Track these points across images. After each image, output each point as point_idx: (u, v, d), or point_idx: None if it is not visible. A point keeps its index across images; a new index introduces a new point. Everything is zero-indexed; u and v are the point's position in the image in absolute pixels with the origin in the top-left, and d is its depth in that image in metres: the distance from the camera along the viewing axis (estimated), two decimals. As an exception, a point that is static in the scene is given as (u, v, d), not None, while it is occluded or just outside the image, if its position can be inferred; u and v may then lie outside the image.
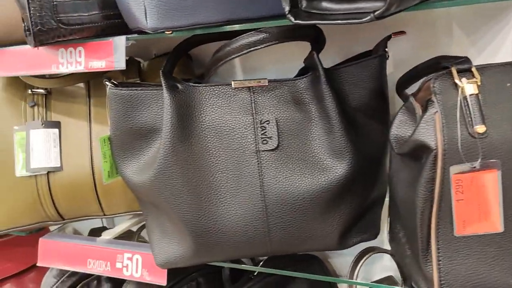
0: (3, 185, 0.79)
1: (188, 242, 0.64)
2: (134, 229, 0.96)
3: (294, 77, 0.66)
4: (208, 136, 0.63)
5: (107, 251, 0.77)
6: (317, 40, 0.63)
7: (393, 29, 0.65)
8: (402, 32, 0.64)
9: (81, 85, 0.83)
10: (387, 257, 0.87)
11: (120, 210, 0.84)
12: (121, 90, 0.64)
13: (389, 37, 0.64)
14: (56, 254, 0.81)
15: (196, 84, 0.63)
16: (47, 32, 0.61)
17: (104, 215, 0.84)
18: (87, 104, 0.82)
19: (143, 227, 0.91)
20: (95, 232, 1.03)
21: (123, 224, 0.86)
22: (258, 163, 0.62)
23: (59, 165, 0.79)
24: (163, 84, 0.62)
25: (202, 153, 0.62)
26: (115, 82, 0.65)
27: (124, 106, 0.64)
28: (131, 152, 0.67)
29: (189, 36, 0.68)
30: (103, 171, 0.70)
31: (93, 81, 0.83)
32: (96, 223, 1.15)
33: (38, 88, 0.81)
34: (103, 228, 1.06)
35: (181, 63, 0.85)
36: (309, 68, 0.68)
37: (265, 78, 0.63)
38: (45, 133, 0.79)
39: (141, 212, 0.84)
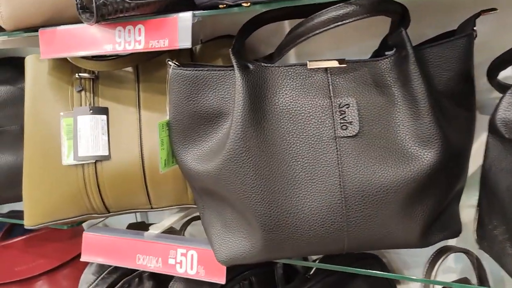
0: (48, 174, 0.74)
1: (257, 236, 0.58)
2: (176, 226, 0.91)
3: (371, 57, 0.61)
4: (282, 121, 0.57)
5: (158, 246, 0.72)
6: (404, 17, 0.57)
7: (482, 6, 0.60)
8: (493, 9, 0.59)
9: (129, 69, 0.78)
10: (451, 258, 0.82)
11: (168, 203, 0.79)
12: (186, 70, 0.59)
13: (478, 15, 0.59)
14: (101, 249, 0.76)
15: (269, 64, 0.58)
16: (111, 5, 0.56)
17: (151, 208, 0.79)
18: (136, 90, 0.77)
19: (189, 222, 0.86)
20: (134, 227, 0.99)
21: (171, 218, 0.81)
22: (337, 151, 0.57)
23: (107, 154, 0.74)
24: (235, 64, 0.57)
25: (275, 139, 0.57)
26: (178, 62, 0.60)
27: (189, 88, 0.59)
28: (194, 138, 0.62)
29: (259, 13, 0.62)
30: (159, 159, 0.65)
31: (142, 65, 0.78)
32: (130, 218, 1.10)
33: (85, 72, 0.77)
34: (142, 224, 1.02)
35: (230, 44, 0.80)
36: (386, 48, 0.63)
37: (343, 58, 0.58)
38: (93, 119, 0.75)
39: (188, 206, 0.80)
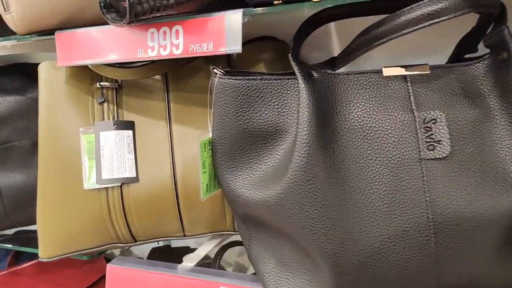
0: (67, 198, 0.64)
1: (324, 280, 0.48)
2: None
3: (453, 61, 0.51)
4: (354, 140, 0.47)
5: (197, 284, 0.61)
6: (502, 12, 0.47)
7: None
8: None
9: (157, 77, 0.68)
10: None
11: (203, 229, 0.69)
12: (235, 80, 0.49)
13: None
14: (129, 285, 0.66)
15: (336, 72, 0.48)
16: (146, 3, 0.46)
17: (184, 235, 0.69)
18: (165, 100, 0.67)
19: (225, 249, 0.76)
20: (158, 253, 0.89)
21: (206, 246, 0.71)
22: (423, 176, 0.46)
23: (134, 175, 0.64)
24: (298, 72, 0.47)
25: (347, 162, 0.47)
26: (223, 70, 0.50)
27: (239, 100, 0.49)
28: (244, 160, 0.52)
29: (321, 9, 0.52)
30: (201, 184, 0.55)
31: (171, 72, 0.68)
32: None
33: (106, 80, 0.67)
34: (167, 248, 0.92)
35: (273, 48, 0.70)
36: (465, 50, 0.53)
37: (426, 64, 0.48)
38: (117, 135, 0.65)
39: (226, 233, 0.70)
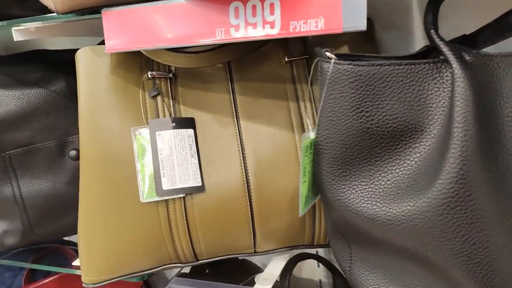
0: (118, 215, 0.53)
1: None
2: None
3: None
4: (519, 141, 0.37)
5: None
6: None
7: None
8: None
9: (218, 64, 0.57)
10: None
11: (276, 245, 0.58)
12: (357, 66, 0.38)
13: None
14: (194, 312, 0.55)
15: (491, 53, 0.38)
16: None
17: (255, 252, 0.59)
18: (230, 92, 0.56)
19: (294, 264, 0.66)
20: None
21: (277, 263, 0.61)
22: None
23: (200, 184, 0.53)
24: (450, 54, 0.36)
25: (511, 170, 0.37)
26: (337, 54, 0.39)
27: (361, 92, 0.39)
28: (362, 166, 0.41)
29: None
30: (300, 196, 0.44)
31: (235, 59, 0.57)
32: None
33: (159, 69, 0.55)
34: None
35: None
36: None
37: None
38: (177, 136, 0.53)
39: (301, 246, 0.59)
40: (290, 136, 0.54)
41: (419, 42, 0.65)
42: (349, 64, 0.38)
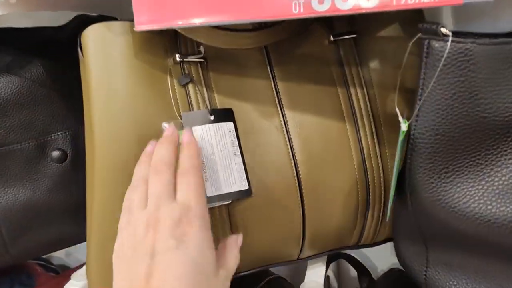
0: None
1: None
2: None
3: None
4: None
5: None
6: None
7: None
8: None
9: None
10: None
11: (321, 249, 0.53)
12: (482, 45, 0.33)
13: None
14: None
15: None
16: None
17: (298, 259, 0.52)
18: (270, 77, 0.48)
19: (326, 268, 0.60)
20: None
21: (317, 268, 0.55)
22: None
23: (247, 187, 0.45)
24: None
25: None
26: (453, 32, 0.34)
27: (483, 75, 0.33)
28: (470, 162, 0.36)
29: None
30: (390, 198, 0.38)
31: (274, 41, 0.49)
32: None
33: (186, 52, 0.46)
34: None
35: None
36: None
37: None
38: (218, 130, 0.45)
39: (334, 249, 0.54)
40: (341, 126, 0.48)
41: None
42: (472, 43, 0.33)
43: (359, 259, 0.64)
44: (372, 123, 0.49)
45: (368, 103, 0.49)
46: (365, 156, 0.48)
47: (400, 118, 0.38)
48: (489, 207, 0.35)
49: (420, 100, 0.36)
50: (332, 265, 0.83)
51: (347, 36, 0.49)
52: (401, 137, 0.37)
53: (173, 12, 0.38)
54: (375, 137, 0.48)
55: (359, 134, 0.48)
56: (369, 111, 0.49)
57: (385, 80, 0.49)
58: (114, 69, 0.43)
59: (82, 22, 0.62)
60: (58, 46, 0.60)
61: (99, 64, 0.43)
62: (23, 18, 0.56)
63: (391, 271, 0.59)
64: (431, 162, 0.37)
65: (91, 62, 0.43)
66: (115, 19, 0.46)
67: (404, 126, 0.37)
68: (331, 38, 0.49)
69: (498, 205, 0.35)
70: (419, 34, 0.35)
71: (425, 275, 0.44)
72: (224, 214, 0.45)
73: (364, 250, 0.77)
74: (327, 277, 0.82)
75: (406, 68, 0.40)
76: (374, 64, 0.50)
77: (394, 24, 0.50)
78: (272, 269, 0.72)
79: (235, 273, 0.50)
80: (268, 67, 0.48)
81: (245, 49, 0.48)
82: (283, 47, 0.49)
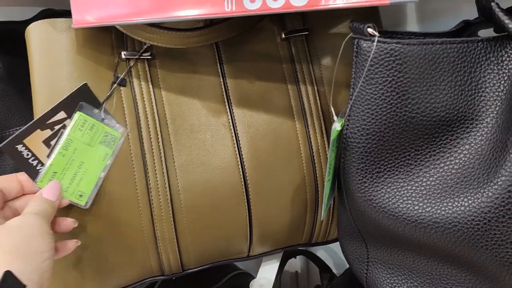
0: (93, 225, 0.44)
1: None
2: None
3: None
4: None
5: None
6: None
7: None
8: None
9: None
10: None
11: (272, 247, 0.53)
12: (407, 45, 0.32)
13: None
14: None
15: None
16: None
17: (248, 256, 0.52)
18: (220, 75, 0.48)
19: (283, 265, 0.60)
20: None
21: (269, 266, 0.55)
22: None
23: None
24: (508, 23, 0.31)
25: None
26: (380, 31, 0.33)
27: (409, 75, 0.33)
28: (400, 161, 0.36)
29: None
30: (324, 197, 0.38)
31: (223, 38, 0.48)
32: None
33: (133, 49, 0.46)
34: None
35: None
36: None
37: None
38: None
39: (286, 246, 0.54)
40: (291, 124, 0.48)
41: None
42: (397, 43, 0.32)
43: (320, 256, 0.64)
44: (322, 121, 0.49)
45: (318, 101, 0.49)
46: (314, 153, 0.48)
47: (335, 117, 0.38)
48: (416, 207, 0.35)
49: (351, 99, 0.36)
50: (302, 262, 0.84)
51: (299, 34, 0.49)
52: (333, 136, 0.37)
53: (107, 11, 0.38)
54: (324, 134, 0.48)
55: (308, 131, 0.48)
56: (319, 109, 0.49)
57: (336, 77, 0.49)
58: (57, 66, 0.43)
59: (47, 16, 0.62)
60: (17, 40, 0.60)
61: (42, 60, 0.43)
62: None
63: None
64: (363, 162, 0.37)
65: (34, 58, 0.43)
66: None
67: (338, 126, 0.37)
68: (283, 35, 0.49)
69: (424, 206, 0.35)
70: (351, 34, 0.35)
71: (366, 272, 0.44)
72: (167, 211, 0.45)
73: (332, 246, 0.77)
74: (295, 273, 0.83)
75: (349, 66, 0.40)
76: (325, 61, 0.50)
77: (347, 21, 0.50)
78: (237, 264, 0.73)
79: (181, 271, 0.50)
80: (218, 64, 0.48)
81: (195, 46, 0.48)
82: (235, 44, 0.49)
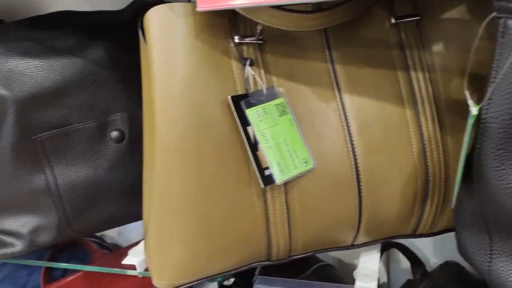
0: (211, 208, 0.44)
1: None
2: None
3: None
4: None
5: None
6: None
7: None
8: None
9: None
10: None
11: (375, 236, 0.52)
12: None
13: None
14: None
15: None
16: None
17: (352, 245, 0.52)
18: (328, 61, 0.48)
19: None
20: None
21: (372, 256, 0.54)
22: None
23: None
24: None
25: None
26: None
27: None
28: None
29: None
30: (456, 186, 0.37)
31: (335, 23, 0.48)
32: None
33: (246, 34, 0.46)
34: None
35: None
36: None
37: None
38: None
39: (390, 237, 0.53)
40: (401, 111, 0.47)
41: None
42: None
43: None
44: (434, 108, 0.47)
45: (430, 88, 0.47)
46: (426, 142, 0.47)
47: (470, 102, 0.37)
48: None
49: (493, 82, 0.34)
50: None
51: (409, 19, 0.48)
52: (470, 121, 0.35)
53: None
54: (436, 122, 0.47)
55: (420, 119, 0.47)
56: (431, 96, 0.47)
57: (448, 64, 0.47)
58: (175, 50, 0.44)
59: (140, 6, 0.64)
60: (118, 29, 0.61)
61: (162, 45, 0.44)
62: (83, 2, 0.57)
63: (447, 264, 0.58)
64: (502, 148, 0.35)
65: (153, 43, 0.44)
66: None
67: (474, 110, 0.36)
68: (393, 20, 0.48)
69: None
70: (494, 13, 0.34)
71: (488, 265, 0.42)
72: (280, 197, 0.45)
73: (415, 241, 0.75)
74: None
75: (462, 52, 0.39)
76: (437, 47, 0.48)
77: (461, 5, 0.48)
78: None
79: (287, 258, 0.50)
80: (327, 50, 0.48)
81: (305, 31, 0.48)
82: (343, 30, 0.48)
